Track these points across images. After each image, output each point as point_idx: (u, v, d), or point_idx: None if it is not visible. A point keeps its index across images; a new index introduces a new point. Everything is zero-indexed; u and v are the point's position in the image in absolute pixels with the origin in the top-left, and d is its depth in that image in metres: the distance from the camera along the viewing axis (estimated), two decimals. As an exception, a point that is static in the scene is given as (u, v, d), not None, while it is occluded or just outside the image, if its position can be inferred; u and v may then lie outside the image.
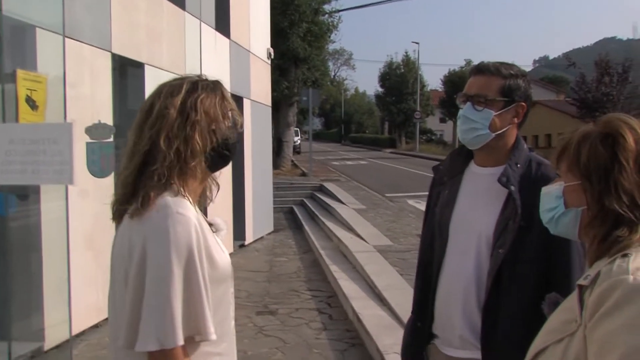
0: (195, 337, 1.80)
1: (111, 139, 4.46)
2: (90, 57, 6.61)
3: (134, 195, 1.84)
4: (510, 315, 2.21)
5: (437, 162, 2.71)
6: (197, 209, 1.90)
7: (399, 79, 57.06)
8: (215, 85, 1.98)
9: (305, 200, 17.62)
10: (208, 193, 2.06)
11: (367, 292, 7.46)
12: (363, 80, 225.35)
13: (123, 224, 1.87)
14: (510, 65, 2.38)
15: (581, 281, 1.51)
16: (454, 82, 50.92)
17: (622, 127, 1.56)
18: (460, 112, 2.36)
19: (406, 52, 63.33)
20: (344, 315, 7.26)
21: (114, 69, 7.08)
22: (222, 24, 11.08)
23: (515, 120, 2.36)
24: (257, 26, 13.49)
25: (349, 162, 37.41)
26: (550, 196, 1.69)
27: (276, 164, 25.81)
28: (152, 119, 1.87)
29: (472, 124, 2.32)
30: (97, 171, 4.18)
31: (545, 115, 37.04)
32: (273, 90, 21.61)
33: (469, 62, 76.40)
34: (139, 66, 7.76)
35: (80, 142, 4.74)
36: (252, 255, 11.37)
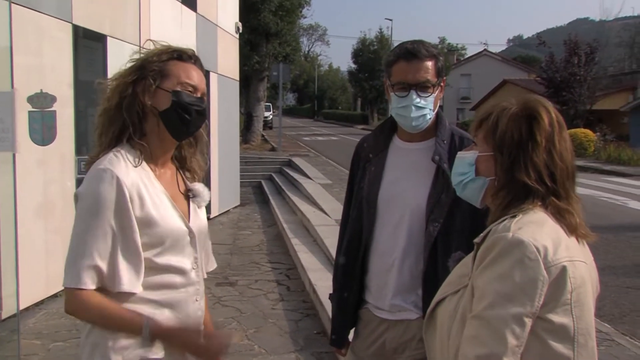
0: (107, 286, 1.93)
1: (53, 108, 4.50)
2: (49, 28, 6.60)
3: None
4: None
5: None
6: (147, 169, 2.04)
7: (372, 56, 56.99)
8: (186, 53, 2.11)
9: (273, 174, 17.69)
10: (197, 169, 2.23)
11: (325, 265, 7.61)
12: (337, 56, 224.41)
13: None
14: (431, 43, 2.47)
15: (476, 240, 1.68)
16: (427, 59, 50.92)
17: (540, 109, 1.71)
18: (408, 101, 2.37)
19: (380, 29, 63.26)
20: (302, 287, 7.42)
21: (75, 41, 7.07)
22: (189, -3, 11.05)
23: (441, 94, 2.49)
24: (226, 0, 13.44)
25: (320, 138, 37.52)
26: (464, 161, 1.84)
27: (246, 139, 25.82)
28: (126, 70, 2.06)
29: (423, 111, 2.40)
30: (38, 139, 4.24)
31: (515, 93, 35.78)
32: (243, 64, 21.55)
33: (442, 40, 76.92)
34: (101, 38, 7.74)
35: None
36: (216, 228, 11.44)
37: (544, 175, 1.64)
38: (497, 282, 1.53)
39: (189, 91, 2.05)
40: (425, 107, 2.40)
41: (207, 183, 10.81)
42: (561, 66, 30.51)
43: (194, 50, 2.14)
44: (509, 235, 1.56)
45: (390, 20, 55.08)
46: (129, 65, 2.07)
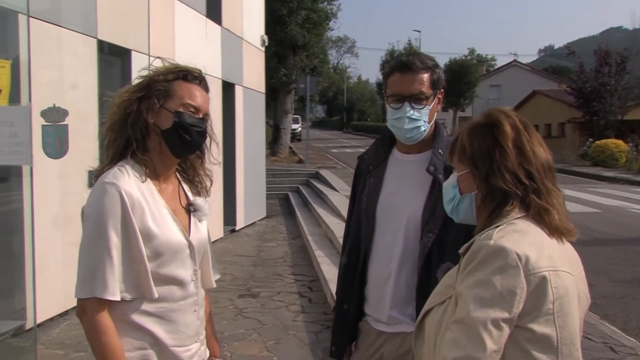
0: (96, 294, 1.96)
1: (65, 122, 4.60)
2: (75, 44, 6.72)
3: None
4: None
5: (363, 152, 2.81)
6: (150, 184, 2.08)
7: (401, 67, 56.88)
8: (192, 74, 2.15)
9: (300, 187, 17.75)
10: (200, 186, 2.28)
11: (347, 277, 7.59)
12: (366, 68, 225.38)
13: None
14: (427, 56, 2.50)
15: (461, 250, 1.70)
16: (455, 70, 50.67)
17: (500, 117, 1.77)
18: (402, 113, 2.40)
19: (408, 40, 63.25)
20: (323, 299, 7.41)
21: (99, 56, 7.19)
22: (214, 11, 11.18)
23: (438, 107, 2.50)
24: (251, 13, 13.57)
25: (348, 150, 37.50)
26: (448, 187, 1.90)
27: (274, 151, 25.96)
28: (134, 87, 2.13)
29: (417, 123, 2.41)
30: (52, 153, 4.36)
31: (545, 104, 37.03)
32: (271, 77, 21.72)
33: (472, 51, 76.69)
34: (126, 52, 7.87)
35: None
36: (241, 240, 11.52)
37: (521, 175, 1.68)
38: (478, 287, 1.55)
39: (191, 112, 2.10)
40: (419, 119, 2.41)
41: (233, 196, 10.90)
42: (591, 76, 30.14)
43: (200, 70, 2.19)
44: (491, 242, 1.58)
45: (419, 31, 55.36)
46: (136, 81, 2.13)
